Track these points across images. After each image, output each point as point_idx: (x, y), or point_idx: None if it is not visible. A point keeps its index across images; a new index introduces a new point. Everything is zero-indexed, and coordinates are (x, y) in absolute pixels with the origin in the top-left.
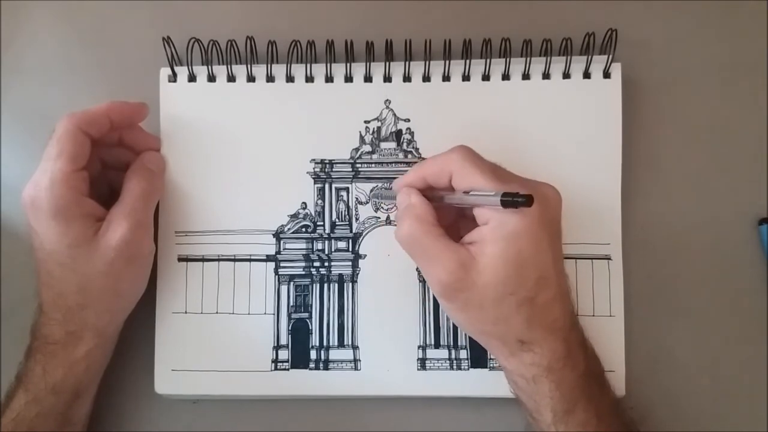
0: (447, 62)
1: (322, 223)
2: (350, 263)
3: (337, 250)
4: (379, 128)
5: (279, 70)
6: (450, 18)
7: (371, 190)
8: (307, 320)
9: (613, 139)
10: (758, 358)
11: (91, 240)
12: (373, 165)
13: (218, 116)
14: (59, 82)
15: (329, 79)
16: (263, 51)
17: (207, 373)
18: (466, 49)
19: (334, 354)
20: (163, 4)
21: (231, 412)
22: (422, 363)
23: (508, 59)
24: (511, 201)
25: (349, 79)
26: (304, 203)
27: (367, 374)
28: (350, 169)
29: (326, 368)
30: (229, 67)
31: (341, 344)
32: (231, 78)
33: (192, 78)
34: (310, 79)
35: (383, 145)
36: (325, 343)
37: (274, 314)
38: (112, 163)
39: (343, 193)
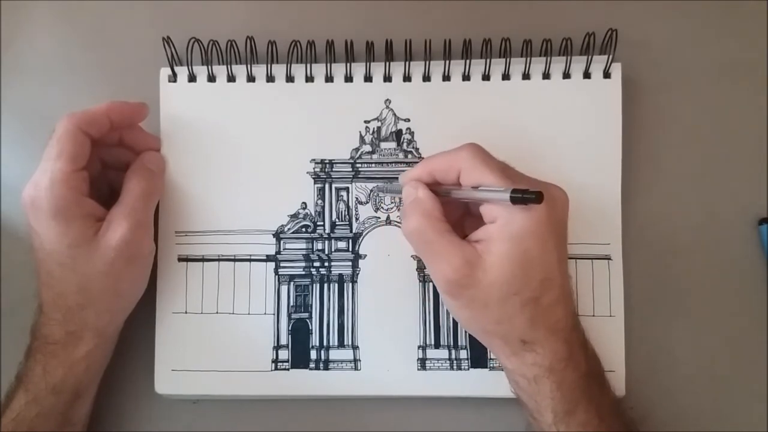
0: (447, 62)
1: (322, 223)
2: (350, 263)
3: (337, 250)
4: (379, 128)
5: (279, 70)
6: (450, 18)
7: (372, 188)
8: (307, 320)
9: (613, 139)
10: (758, 358)
11: (91, 240)
12: (373, 165)
13: (218, 116)
14: (59, 82)
15: (329, 79)
16: (263, 51)
17: (207, 373)
18: (466, 49)
19: (334, 354)
20: (163, 4)
21: (231, 412)
22: (422, 363)
23: (508, 59)
24: (520, 197)
25: (349, 79)
26: (304, 203)
27: (367, 374)
28: (350, 169)
29: (326, 368)
30: (229, 67)
31: (341, 344)
32: (231, 78)
33: (192, 78)
34: (310, 79)
35: (383, 145)
36: (325, 343)
37: (274, 314)
38: (112, 163)
39: (343, 193)
